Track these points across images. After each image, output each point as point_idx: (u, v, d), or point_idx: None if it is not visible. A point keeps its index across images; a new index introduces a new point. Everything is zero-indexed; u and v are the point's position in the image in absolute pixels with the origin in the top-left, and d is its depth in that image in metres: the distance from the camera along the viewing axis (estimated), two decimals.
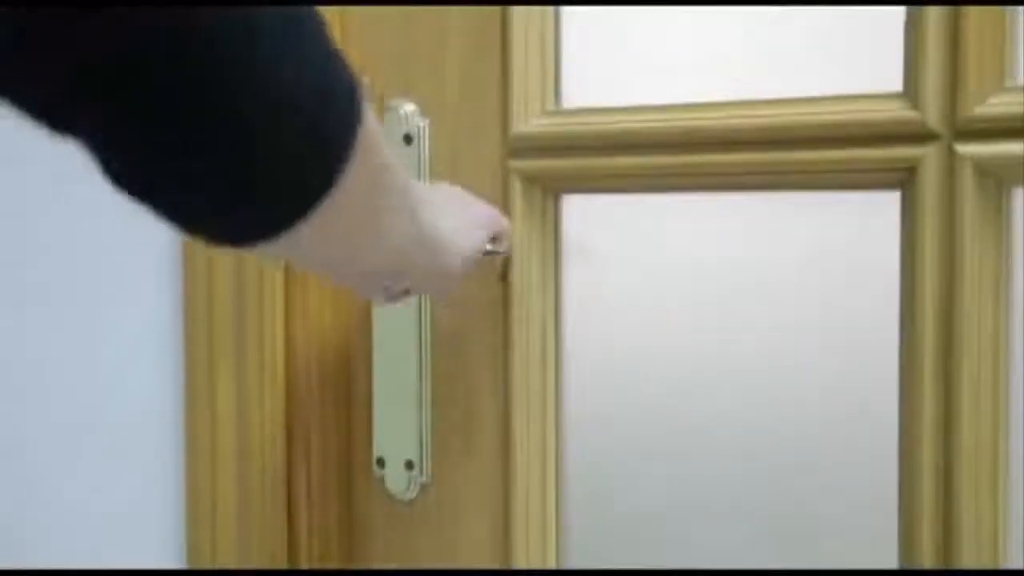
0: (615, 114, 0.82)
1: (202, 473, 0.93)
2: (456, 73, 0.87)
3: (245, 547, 0.91)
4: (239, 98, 0.46)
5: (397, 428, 0.89)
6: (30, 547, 1.06)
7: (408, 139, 0.88)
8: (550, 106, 0.85)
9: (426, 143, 0.88)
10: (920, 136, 0.71)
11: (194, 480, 0.94)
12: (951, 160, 0.71)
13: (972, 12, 0.70)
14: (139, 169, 0.48)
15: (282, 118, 0.47)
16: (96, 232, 1.01)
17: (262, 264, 0.89)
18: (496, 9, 0.85)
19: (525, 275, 0.85)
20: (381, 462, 0.91)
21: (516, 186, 0.85)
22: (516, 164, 0.85)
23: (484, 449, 0.88)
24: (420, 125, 0.88)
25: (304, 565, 0.91)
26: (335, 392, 0.93)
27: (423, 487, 0.90)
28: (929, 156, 0.71)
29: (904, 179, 0.72)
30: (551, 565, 0.86)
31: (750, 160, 0.77)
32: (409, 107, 0.88)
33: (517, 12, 0.84)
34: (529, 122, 0.84)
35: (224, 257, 0.90)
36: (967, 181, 0.70)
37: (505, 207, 0.85)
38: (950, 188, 0.71)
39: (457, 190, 0.80)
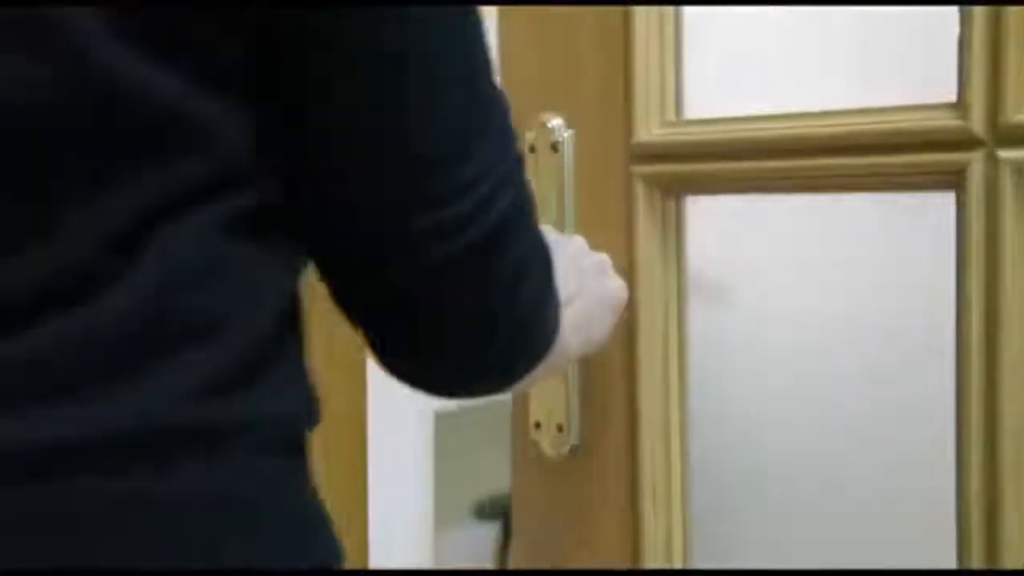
0: (726, 124, 0.93)
1: None
2: (591, 88, 1.00)
3: None
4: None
5: (549, 396, 1.04)
6: None
7: (555, 147, 1.02)
8: (671, 116, 0.96)
9: (570, 152, 1.01)
10: (966, 143, 0.78)
11: None
12: (993, 165, 0.77)
13: (1012, 18, 0.76)
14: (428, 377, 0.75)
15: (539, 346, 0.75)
16: None
17: None
18: (622, 27, 0.98)
19: (650, 273, 0.97)
20: (537, 425, 1.05)
21: (639, 190, 0.97)
22: (639, 169, 0.97)
23: (616, 425, 1.01)
24: (565, 136, 1.02)
25: None
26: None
27: (572, 448, 1.04)
28: (975, 161, 0.78)
29: (955, 182, 0.79)
30: (677, 539, 0.98)
31: (840, 164, 0.86)
32: (557, 120, 1.02)
33: (639, 28, 0.96)
34: (651, 131, 0.96)
35: None
36: (1007, 183, 0.77)
37: (629, 209, 0.97)
38: (994, 191, 0.77)
39: (591, 265, 0.92)
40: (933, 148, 0.80)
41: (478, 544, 3.51)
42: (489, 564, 3.44)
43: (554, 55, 1.03)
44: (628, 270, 0.98)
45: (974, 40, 0.78)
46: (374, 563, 1.07)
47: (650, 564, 0.99)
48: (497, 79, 0.67)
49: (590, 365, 1.02)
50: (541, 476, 1.07)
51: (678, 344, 0.98)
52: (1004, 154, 0.77)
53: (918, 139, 0.81)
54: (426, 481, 3.11)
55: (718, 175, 0.93)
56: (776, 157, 0.89)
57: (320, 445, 1.06)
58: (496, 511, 3.22)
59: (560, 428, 1.04)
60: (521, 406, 1.08)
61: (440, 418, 3.14)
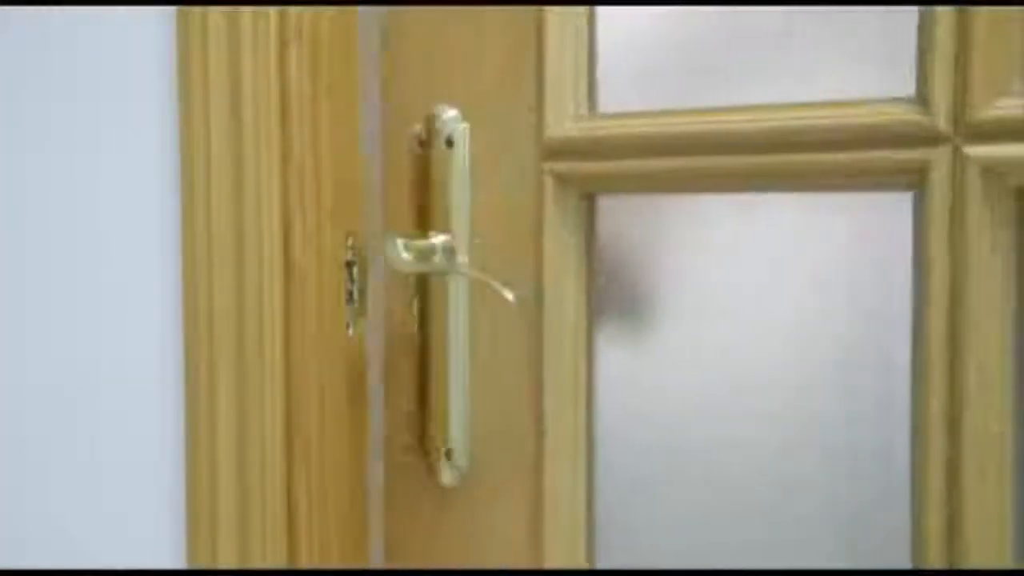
0: (645, 118, 0.85)
1: (202, 471, 0.96)
2: (494, 78, 0.91)
3: (245, 547, 0.95)
4: None
5: (449, 418, 0.94)
6: (28, 546, 1.05)
7: (449, 142, 0.92)
8: (584, 110, 0.88)
9: (466, 146, 0.92)
10: (929, 139, 0.73)
11: (194, 477, 0.96)
12: (960, 162, 0.72)
13: (982, 14, 0.71)
14: None
15: None
16: (94, 230, 1.01)
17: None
18: (532, 13, 0.89)
19: (558, 275, 0.88)
20: (425, 450, 0.95)
21: (549, 188, 0.88)
22: (550, 166, 0.88)
23: (519, 442, 0.92)
24: (460, 129, 0.92)
25: (305, 565, 0.94)
26: (339, 390, 0.97)
27: (463, 475, 0.94)
28: (938, 158, 0.73)
29: (915, 181, 0.74)
30: (581, 555, 0.90)
31: (771, 162, 0.79)
32: (451, 112, 0.92)
33: (552, 17, 0.88)
34: (563, 125, 0.88)
35: (224, 257, 0.94)
36: (975, 182, 0.71)
37: (539, 209, 0.88)
38: (960, 189, 0.72)
39: None
40: (889, 145, 0.75)
41: None
42: None
43: (450, 40, 0.93)
44: (536, 274, 0.89)
45: (939, 24, 0.73)
46: (374, 563, 1.02)
47: None
48: None
49: (486, 377, 0.93)
50: (432, 504, 0.97)
51: (587, 358, 0.89)
52: (972, 151, 0.72)
53: (873, 135, 0.75)
54: None
55: (640, 173, 0.85)
56: (703, 153, 0.82)
57: (319, 444, 0.95)
58: None
59: (448, 454, 0.94)
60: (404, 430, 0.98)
61: None
